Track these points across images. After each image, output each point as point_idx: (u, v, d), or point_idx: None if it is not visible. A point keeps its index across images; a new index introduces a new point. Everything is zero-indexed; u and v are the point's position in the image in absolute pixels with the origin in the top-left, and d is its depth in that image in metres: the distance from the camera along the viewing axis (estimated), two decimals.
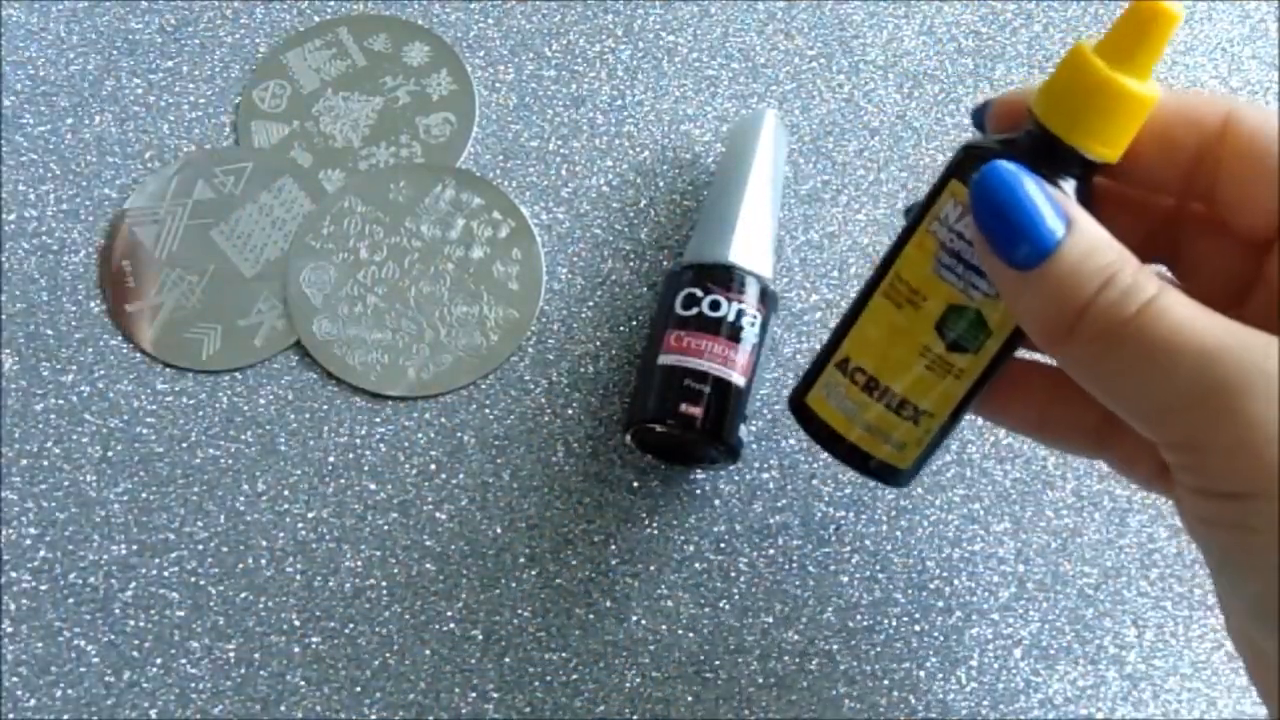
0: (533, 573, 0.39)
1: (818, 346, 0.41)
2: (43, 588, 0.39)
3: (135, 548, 0.39)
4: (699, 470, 0.40)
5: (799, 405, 0.31)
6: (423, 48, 0.45)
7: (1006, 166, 0.25)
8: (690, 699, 0.38)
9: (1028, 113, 0.27)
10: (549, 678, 0.38)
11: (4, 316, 0.42)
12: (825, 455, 0.40)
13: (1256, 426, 0.22)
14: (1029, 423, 0.31)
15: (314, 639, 0.38)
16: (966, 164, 0.27)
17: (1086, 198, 0.26)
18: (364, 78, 0.45)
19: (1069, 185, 0.26)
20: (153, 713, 0.38)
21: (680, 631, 0.39)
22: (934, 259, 0.28)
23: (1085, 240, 0.24)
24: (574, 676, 0.38)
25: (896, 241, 0.29)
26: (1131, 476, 0.31)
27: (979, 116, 0.30)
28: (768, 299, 0.39)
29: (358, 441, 0.40)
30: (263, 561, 0.39)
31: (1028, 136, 0.27)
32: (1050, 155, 0.26)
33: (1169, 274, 0.30)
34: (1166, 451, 0.25)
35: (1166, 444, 0.25)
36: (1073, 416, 0.30)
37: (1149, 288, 0.24)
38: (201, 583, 0.39)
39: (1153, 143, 0.27)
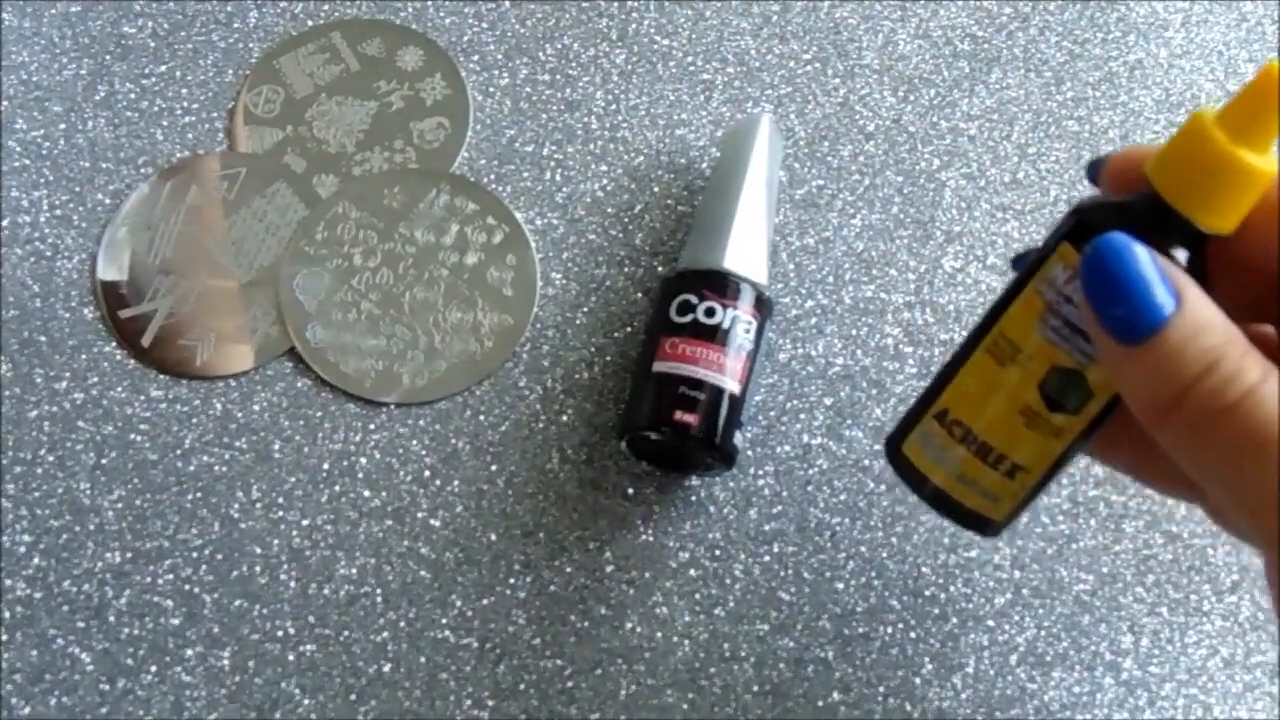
0: (528, 580, 0.39)
1: (813, 353, 0.41)
2: (37, 595, 0.39)
3: (130, 555, 0.39)
4: (694, 477, 0.40)
5: (895, 452, 0.31)
6: (417, 52, 0.45)
7: (1119, 239, 0.25)
8: (685, 706, 0.38)
9: (1143, 178, 0.27)
10: (544, 685, 0.38)
11: None
12: (822, 461, 0.40)
13: None
14: (1125, 464, 0.32)
15: (308, 646, 0.38)
16: (1079, 228, 0.27)
17: (1199, 267, 0.26)
18: (358, 82, 0.44)
19: (1181, 255, 0.26)
20: None
21: (675, 639, 0.38)
22: (1040, 319, 0.28)
23: (1193, 319, 0.24)
24: (569, 684, 0.38)
25: (1002, 297, 0.29)
26: (1223, 526, 0.31)
27: (1094, 171, 0.30)
28: (763, 305, 0.39)
29: (352, 448, 0.40)
30: (257, 569, 0.39)
31: (1142, 202, 0.26)
32: (1164, 224, 0.26)
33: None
34: (1259, 544, 0.25)
35: (1254, 534, 0.25)
36: (1169, 465, 0.30)
37: (1251, 374, 0.23)
38: (196, 590, 0.39)
39: (1266, 213, 0.26)
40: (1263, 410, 0.23)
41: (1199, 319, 0.24)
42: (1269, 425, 0.23)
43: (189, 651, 0.38)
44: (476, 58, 0.45)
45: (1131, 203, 0.27)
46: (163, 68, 0.45)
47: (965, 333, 0.41)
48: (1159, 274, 0.24)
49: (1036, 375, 0.28)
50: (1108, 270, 0.25)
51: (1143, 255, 0.25)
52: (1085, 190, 0.44)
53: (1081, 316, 0.27)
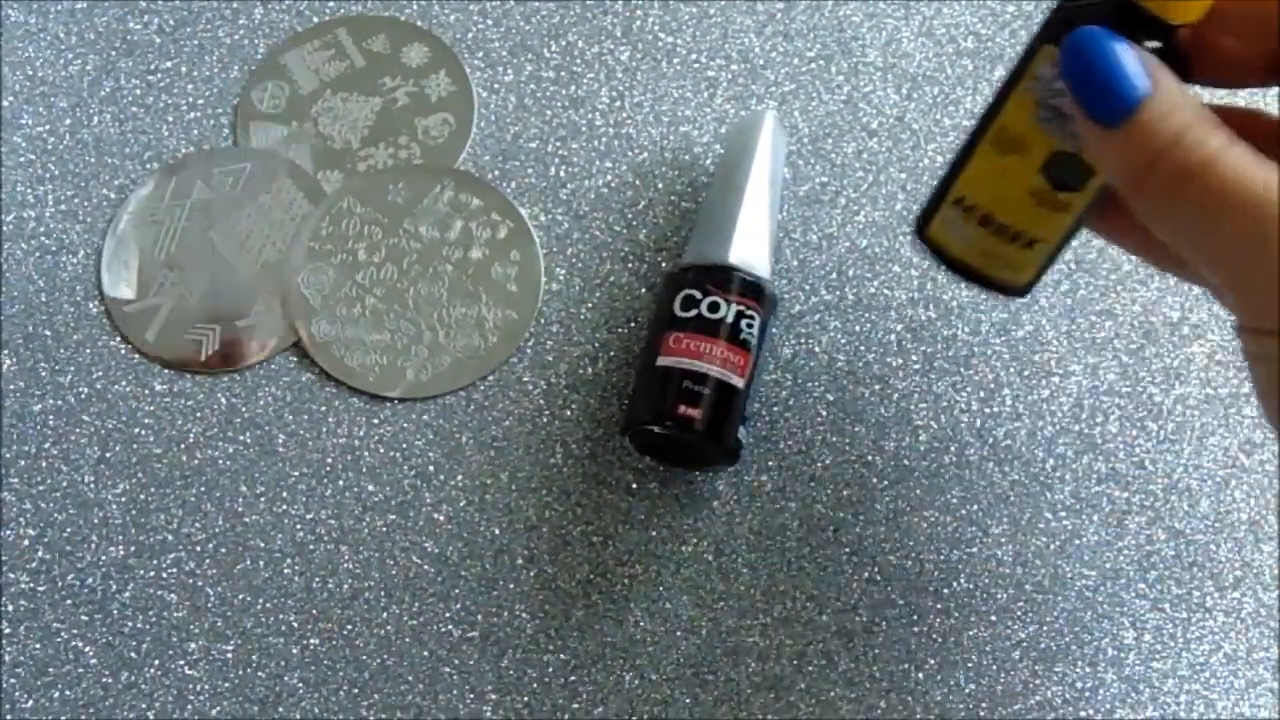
0: (531, 574, 0.39)
1: (817, 349, 0.41)
2: (41, 589, 0.39)
3: (133, 549, 0.39)
4: (697, 472, 0.40)
5: (923, 235, 0.34)
6: (421, 49, 0.45)
7: (1095, 32, 0.27)
8: (688, 701, 0.38)
9: None
10: (547, 679, 0.38)
11: (2, 317, 0.42)
12: (825, 457, 0.40)
13: None
14: (1132, 243, 0.34)
15: (312, 640, 0.38)
16: (1059, 27, 0.29)
17: (1172, 53, 0.28)
18: (362, 78, 0.45)
19: (1154, 44, 0.28)
20: (150, 714, 0.38)
21: (678, 633, 0.39)
22: (1034, 111, 0.30)
23: (1165, 99, 0.26)
24: (572, 678, 0.38)
25: (998, 94, 0.31)
26: (1223, 303, 0.33)
27: None
28: (767, 300, 0.39)
29: (356, 443, 0.40)
30: (261, 563, 0.39)
31: (1114, 0, 0.28)
32: (1135, 18, 0.28)
33: None
34: (1223, 292, 0.27)
35: (1220, 285, 0.27)
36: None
37: (1214, 142, 0.26)
38: (199, 584, 0.39)
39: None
40: (1226, 169, 0.25)
41: (1171, 99, 0.27)
42: (1224, 184, 0.25)
43: (192, 645, 0.38)
44: (481, 54, 0.45)
45: (1106, 1, 0.28)
46: (168, 64, 0.45)
47: (972, 313, 0.41)
48: (1132, 61, 0.27)
49: (1038, 160, 0.31)
50: (1086, 61, 0.27)
51: (1116, 45, 0.27)
52: None
53: (1067, 105, 0.29)
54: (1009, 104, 0.31)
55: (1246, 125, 0.30)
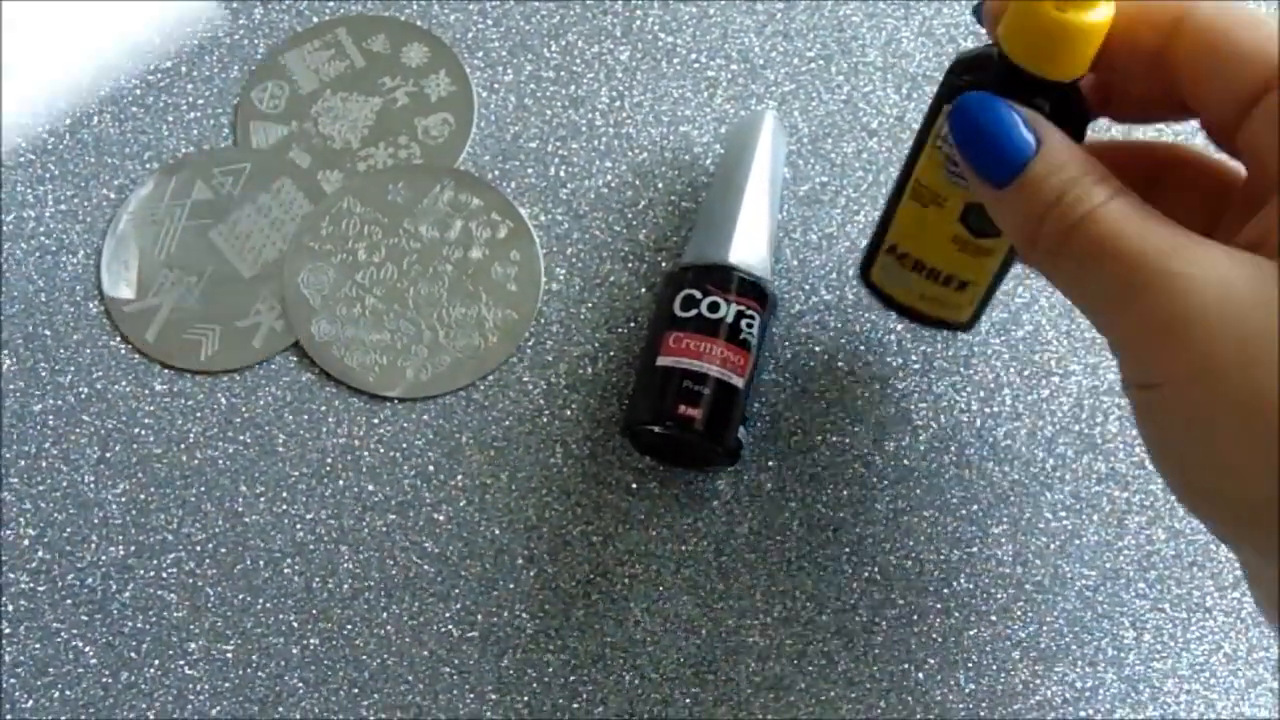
0: (531, 574, 0.39)
1: (817, 349, 0.42)
2: (40, 589, 0.39)
3: (133, 549, 0.39)
4: (697, 472, 0.40)
5: (866, 279, 0.37)
6: (421, 48, 0.45)
7: (978, 97, 0.28)
8: (688, 700, 0.38)
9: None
10: (547, 679, 0.38)
11: (2, 317, 0.42)
12: (825, 456, 0.40)
13: (1167, 324, 0.25)
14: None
15: (312, 640, 0.38)
16: (954, 87, 0.30)
17: (1066, 107, 0.28)
18: (362, 78, 0.45)
19: (1043, 102, 0.28)
20: (150, 714, 0.38)
21: (678, 633, 0.39)
22: (944, 167, 0.31)
23: (1050, 158, 0.27)
24: (572, 678, 0.38)
25: (911, 150, 0.32)
26: None
27: (978, 13, 0.31)
28: (767, 300, 0.39)
29: (356, 443, 0.40)
30: (261, 563, 0.39)
31: (1001, 60, 0.29)
32: (1021, 79, 0.28)
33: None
34: (1106, 338, 0.28)
35: (1106, 339, 0.28)
36: None
37: (1098, 195, 0.26)
38: (199, 584, 0.39)
39: (1121, 47, 0.28)
40: (1099, 227, 0.26)
41: (1056, 157, 0.27)
42: (1102, 239, 0.26)
43: (192, 645, 0.38)
44: (481, 54, 0.45)
45: (995, 62, 0.29)
46: (168, 64, 0.45)
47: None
48: (1016, 123, 0.27)
49: (955, 212, 0.32)
50: (971, 123, 0.28)
51: (999, 108, 0.28)
52: None
53: None
54: (921, 160, 0.32)
55: (1169, 159, 0.30)
